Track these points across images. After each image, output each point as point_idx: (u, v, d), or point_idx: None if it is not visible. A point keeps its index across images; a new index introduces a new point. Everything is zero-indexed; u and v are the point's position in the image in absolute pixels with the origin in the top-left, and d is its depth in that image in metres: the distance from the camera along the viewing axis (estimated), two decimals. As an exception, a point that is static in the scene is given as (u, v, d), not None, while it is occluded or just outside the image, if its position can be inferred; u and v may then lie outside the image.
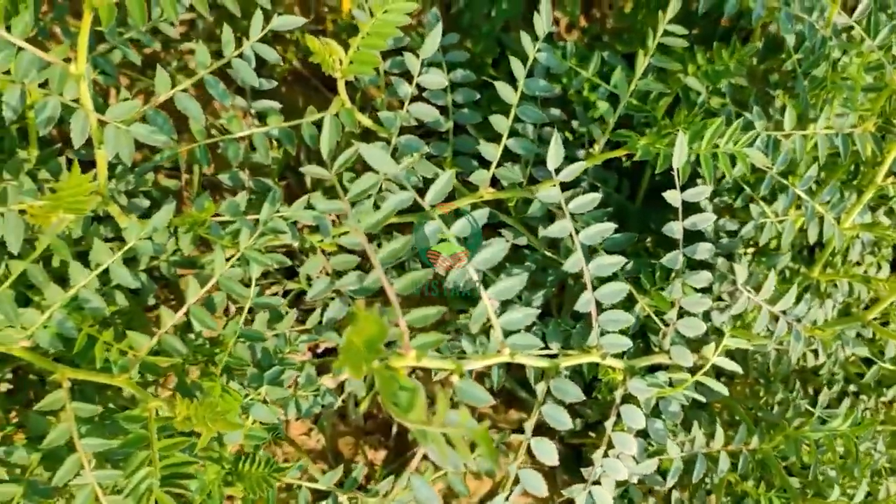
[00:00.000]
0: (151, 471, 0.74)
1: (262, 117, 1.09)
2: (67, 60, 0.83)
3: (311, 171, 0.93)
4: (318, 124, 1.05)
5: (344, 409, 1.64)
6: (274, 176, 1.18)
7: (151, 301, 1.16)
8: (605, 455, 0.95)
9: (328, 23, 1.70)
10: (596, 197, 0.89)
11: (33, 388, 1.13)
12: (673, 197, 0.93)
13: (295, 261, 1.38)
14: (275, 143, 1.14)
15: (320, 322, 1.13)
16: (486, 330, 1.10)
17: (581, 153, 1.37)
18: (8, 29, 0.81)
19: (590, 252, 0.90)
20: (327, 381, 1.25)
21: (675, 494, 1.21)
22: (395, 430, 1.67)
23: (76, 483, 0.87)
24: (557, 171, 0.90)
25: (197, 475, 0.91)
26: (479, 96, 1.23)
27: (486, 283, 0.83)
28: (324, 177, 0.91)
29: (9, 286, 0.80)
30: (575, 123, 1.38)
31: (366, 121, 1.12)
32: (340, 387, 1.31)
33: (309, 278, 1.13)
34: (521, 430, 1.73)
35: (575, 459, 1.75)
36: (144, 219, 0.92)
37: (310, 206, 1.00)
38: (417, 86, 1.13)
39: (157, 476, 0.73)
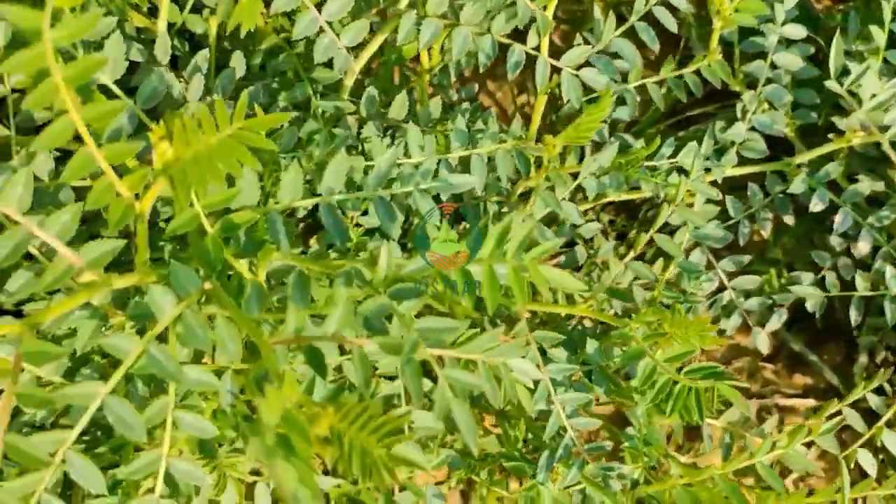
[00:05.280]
0: (671, 377, 0.78)
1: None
2: (535, 10, 0.89)
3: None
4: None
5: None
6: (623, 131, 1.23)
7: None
8: None
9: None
10: None
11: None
12: None
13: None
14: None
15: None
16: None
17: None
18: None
19: None
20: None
21: None
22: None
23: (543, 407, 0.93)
24: None
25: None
26: (813, 50, 1.26)
27: None
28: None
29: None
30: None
31: (722, 73, 1.15)
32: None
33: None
34: (805, 396, 1.73)
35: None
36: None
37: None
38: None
39: (684, 379, 0.77)
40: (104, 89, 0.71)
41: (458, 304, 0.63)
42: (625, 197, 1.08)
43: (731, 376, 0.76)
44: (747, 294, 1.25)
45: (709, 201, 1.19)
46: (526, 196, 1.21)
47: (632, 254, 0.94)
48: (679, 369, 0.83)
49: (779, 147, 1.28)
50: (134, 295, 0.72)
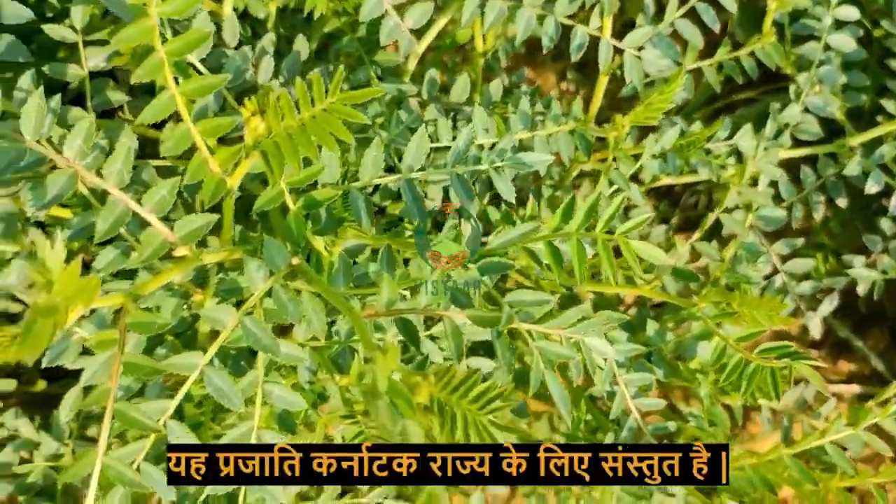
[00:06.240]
0: (743, 357, 0.79)
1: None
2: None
3: None
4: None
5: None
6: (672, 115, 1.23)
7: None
8: None
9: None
10: None
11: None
12: None
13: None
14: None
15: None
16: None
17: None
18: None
19: None
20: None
21: None
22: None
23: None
24: None
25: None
26: (862, 33, 1.25)
27: None
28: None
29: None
30: None
31: (776, 55, 1.15)
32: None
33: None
34: (850, 382, 1.72)
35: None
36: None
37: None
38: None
39: (757, 359, 0.77)
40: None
41: (545, 279, 0.64)
42: (681, 180, 1.08)
43: (806, 356, 0.76)
44: (799, 278, 1.25)
45: (771, 183, 1.19)
46: (579, 180, 1.22)
47: (697, 234, 0.94)
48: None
49: (825, 131, 1.28)
50: (217, 272, 0.73)
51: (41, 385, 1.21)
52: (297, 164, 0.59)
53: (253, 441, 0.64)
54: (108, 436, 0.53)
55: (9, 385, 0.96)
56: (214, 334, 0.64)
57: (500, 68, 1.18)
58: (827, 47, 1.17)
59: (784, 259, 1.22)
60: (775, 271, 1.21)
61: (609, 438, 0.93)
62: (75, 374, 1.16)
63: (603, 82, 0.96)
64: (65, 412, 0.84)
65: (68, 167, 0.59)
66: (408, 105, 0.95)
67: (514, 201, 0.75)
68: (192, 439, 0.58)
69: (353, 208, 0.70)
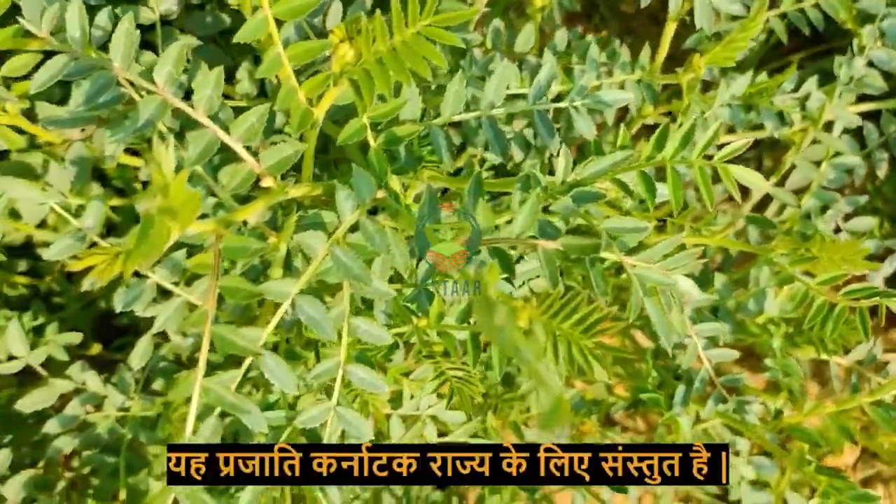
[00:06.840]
0: (827, 300, 0.77)
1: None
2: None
3: None
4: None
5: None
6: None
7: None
8: None
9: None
10: None
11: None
12: None
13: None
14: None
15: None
16: None
17: None
18: None
19: None
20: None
21: None
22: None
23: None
24: None
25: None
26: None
27: None
28: None
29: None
30: None
31: (841, 7, 1.13)
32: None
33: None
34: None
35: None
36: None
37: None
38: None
39: (844, 300, 0.76)
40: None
41: (636, 213, 0.62)
42: (745, 136, 1.06)
43: (895, 293, 0.75)
44: (861, 237, 1.22)
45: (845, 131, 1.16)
46: (639, 136, 1.20)
47: (773, 179, 0.92)
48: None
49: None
50: (297, 209, 0.72)
51: (96, 349, 1.21)
52: (389, 91, 0.58)
53: (339, 376, 0.64)
54: (205, 360, 0.52)
55: (75, 338, 0.96)
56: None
57: (556, 26, 1.17)
58: (890, 2, 1.15)
59: (846, 218, 1.19)
60: (838, 230, 1.19)
61: (679, 392, 0.92)
62: (135, 333, 1.16)
63: (671, 29, 0.94)
64: (136, 361, 0.84)
65: (157, 94, 0.58)
66: (472, 54, 0.94)
67: (593, 140, 0.73)
68: (283, 368, 0.58)
69: (434, 145, 0.69)
